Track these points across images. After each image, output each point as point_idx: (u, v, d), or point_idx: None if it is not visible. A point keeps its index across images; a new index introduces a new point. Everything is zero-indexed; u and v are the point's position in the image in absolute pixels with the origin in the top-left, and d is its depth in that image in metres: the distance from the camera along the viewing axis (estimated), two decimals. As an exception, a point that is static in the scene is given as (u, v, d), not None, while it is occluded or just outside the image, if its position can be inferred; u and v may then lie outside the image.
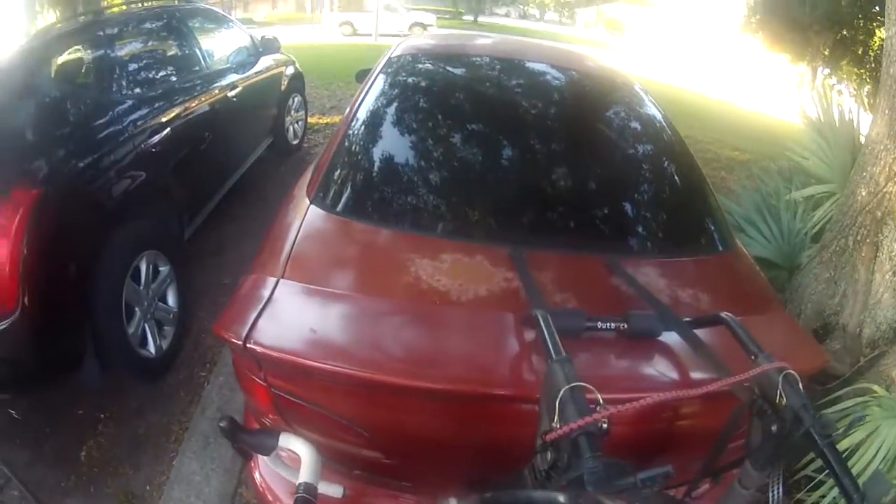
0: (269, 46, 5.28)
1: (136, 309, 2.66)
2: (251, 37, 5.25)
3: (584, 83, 2.61)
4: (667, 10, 34.71)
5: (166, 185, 3.12)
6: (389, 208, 1.79)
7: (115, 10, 4.34)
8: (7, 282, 2.01)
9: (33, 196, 2.08)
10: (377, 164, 1.98)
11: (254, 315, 1.30)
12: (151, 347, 2.79)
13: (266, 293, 1.38)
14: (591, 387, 0.95)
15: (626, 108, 2.43)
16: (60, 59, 2.99)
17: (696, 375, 1.28)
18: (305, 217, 1.69)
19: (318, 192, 1.79)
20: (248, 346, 1.23)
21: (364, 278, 1.54)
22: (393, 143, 2.07)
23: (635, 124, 2.36)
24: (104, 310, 2.45)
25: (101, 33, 3.29)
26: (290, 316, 1.36)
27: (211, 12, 5.05)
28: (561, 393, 0.93)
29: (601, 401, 0.90)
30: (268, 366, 1.28)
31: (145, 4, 4.49)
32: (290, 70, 5.81)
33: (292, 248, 1.56)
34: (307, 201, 1.76)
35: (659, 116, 2.37)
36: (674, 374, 1.30)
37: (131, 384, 2.81)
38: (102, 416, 2.68)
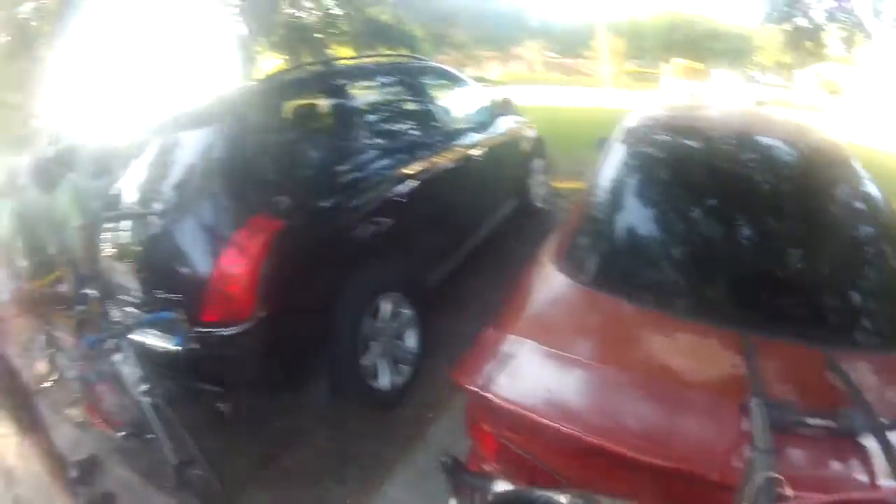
0: (506, 108, 5.48)
1: (373, 344, 3.01)
2: (488, 96, 5.44)
3: (821, 161, 2.47)
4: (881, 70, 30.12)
5: (411, 235, 3.41)
6: (629, 281, 1.85)
7: (350, 61, 4.80)
8: (244, 294, 2.49)
9: (276, 226, 2.57)
10: (618, 237, 2.09)
11: (492, 367, 1.46)
12: (384, 381, 3.09)
13: (505, 348, 1.52)
14: (784, 480, 1.03)
15: (862, 189, 2.30)
16: (306, 104, 3.40)
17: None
18: (548, 282, 1.85)
19: (563, 260, 1.92)
20: (484, 394, 1.36)
21: (597, 347, 1.62)
22: (632, 218, 2.17)
23: (871, 207, 2.22)
24: (340, 339, 2.83)
25: (340, 82, 3.67)
26: (526, 373, 1.48)
27: (446, 71, 5.28)
28: (756, 482, 1.02)
29: (791, 496, 1.00)
30: (499, 415, 1.39)
31: (379, 58, 4.92)
32: (530, 133, 5.96)
33: (533, 309, 1.74)
34: (551, 267, 1.90)
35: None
36: (870, 478, 1.25)
37: (360, 411, 3.12)
38: (319, 431, 3.02)
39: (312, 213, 2.84)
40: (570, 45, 35.42)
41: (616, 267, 1.92)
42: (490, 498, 1.24)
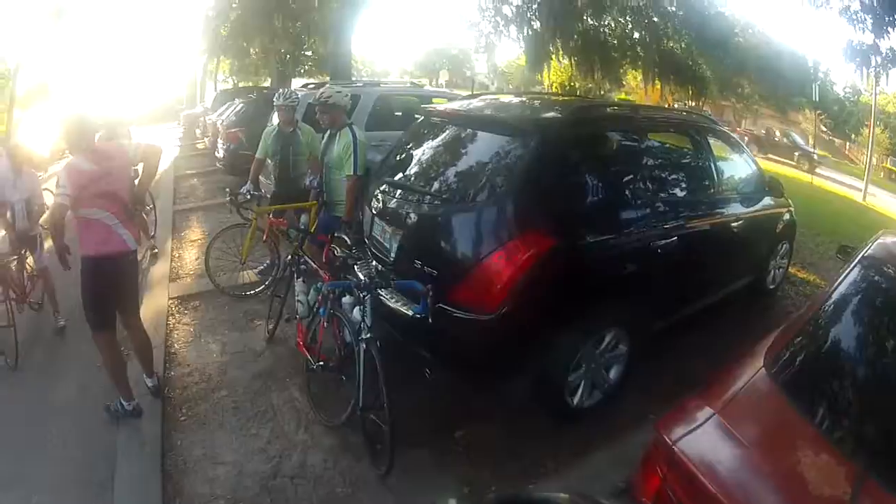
0: (774, 188, 5.54)
1: (583, 366, 3.54)
2: (761, 171, 5.57)
3: None
4: None
5: (655, 282, 3.83)
6: (823, 410, 1.99)
7: (652, 110, 5.22)
8: (499, 293, 3.07)
9: (547, 244, 3.11)
10: (830, 362, 2.18)
11: (685, 427, 1.87)
12: (576, 399, 3.62)
13: (701, 417, 1.92)
14: None
15: None
16: (608, 139, 3.93)
17: None
18: (753, 374, 2.13)
19: (773, 360, 2.17)
20: (672, 445, 1.78)
21: (777, 452, 1.87)
22: (849, 351, 2.21)
23: None
24: (561, 353, 3.38)
25: (641, 126, 4.22)
26: (713, 447, 1.84)
27: (730, 136, 5.53)
28: None
29: None
30: (673, 467, 1.78)
31: (674, 111, 5.22)
32: (786, 216, 6.01)
33: (734, 395, 2.05)
34: (760, 362, 2.17)
35: None
36: None
37: (541, 415, 3.67)
38: (504, 416, 3.63)
39: (580, 242, 3.37)
40: (843, 125, 33.58)
41: (817, 390, 2.07)
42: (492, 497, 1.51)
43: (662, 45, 17.42)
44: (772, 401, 2.02)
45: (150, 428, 3.84)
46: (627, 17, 17.72)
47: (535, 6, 17.81)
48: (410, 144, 4.33)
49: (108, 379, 3.94)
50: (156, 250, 7.41)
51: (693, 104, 22.54)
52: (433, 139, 4.18)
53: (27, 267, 5.56)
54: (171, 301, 5.83)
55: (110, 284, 3.84)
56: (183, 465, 3.47)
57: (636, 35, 17.95)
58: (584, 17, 17.67)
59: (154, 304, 5.68)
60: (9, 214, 5.39)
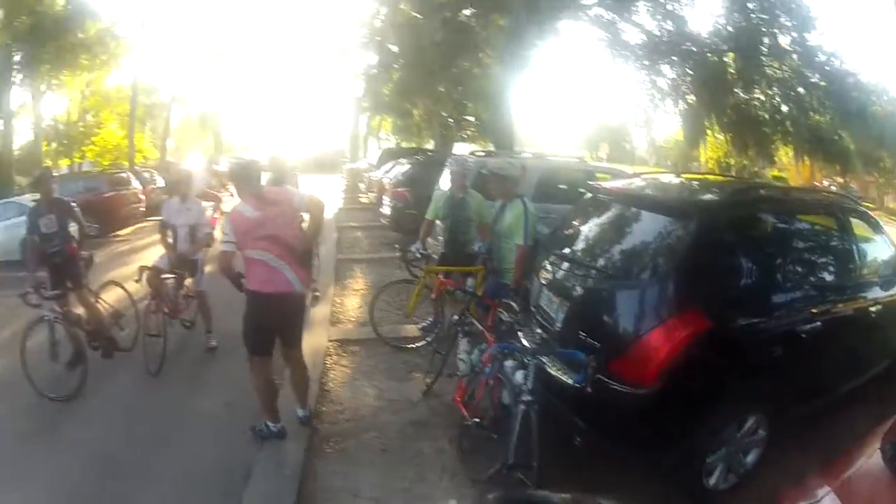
0: None
1: (723, 448, 3.77)
2: None
3: None
4: None
5: (800, 369, 3.98)
6: None
7: (802, 192, 5.46)
8: (655, 369, 3.39)
9: (703, 326, 3.43)
10: None
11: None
12: (710, 480, 3.80)
13: (822, 494, 2.25)
14: None
15: None
16: (765, 221, 4.21)
17: None
18: (870, 457, 2.41)
19: (889, 444, 2.40)
20: None
21: None
22: None
23: None
24: (703, 433, 3.63)
25: (792, 207, 4.48)
26: None
27: (870, 216, 5.47)
28: None
29: None
30: None
31: (820, 191, 5.40)
32: None
33: (850, 475, 2.38)
34: (877, 445, 2.42)
35: None
36: None
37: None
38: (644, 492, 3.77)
39: (732, 324, 3.67)
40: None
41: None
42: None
43: (809, 118, 17.48)
44: (884, 483, 2.25)
45: (294, 452, 4.37)
46: (775, 90, 17.98)
47: (687, 79, 18.54)
48: (578, 219, 4.84)
49: (256, 401, 4.53)
50: (318, 294, 8.31)
51: (840, 180, 21.96)
52: (600, 216, 4.63)
53: (184, 287, 6.56)
54: (330, 343, 6.59)
55: (272, 318, 4.37)
56: (321, 492, 3.94)
57: (784, 108, 18.08)
58: (735, 90, 18.21)
59: (313, 343, 6.36)
60: (170, 236, 6.48)
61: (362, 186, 22.80)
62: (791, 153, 20.65)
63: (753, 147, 18.97)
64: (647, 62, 18.95)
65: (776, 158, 20.99)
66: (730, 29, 17.22)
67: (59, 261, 6.17)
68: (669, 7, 18.05)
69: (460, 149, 33.29)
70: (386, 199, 13.41)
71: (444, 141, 27.49)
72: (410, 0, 20.85)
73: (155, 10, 32.35)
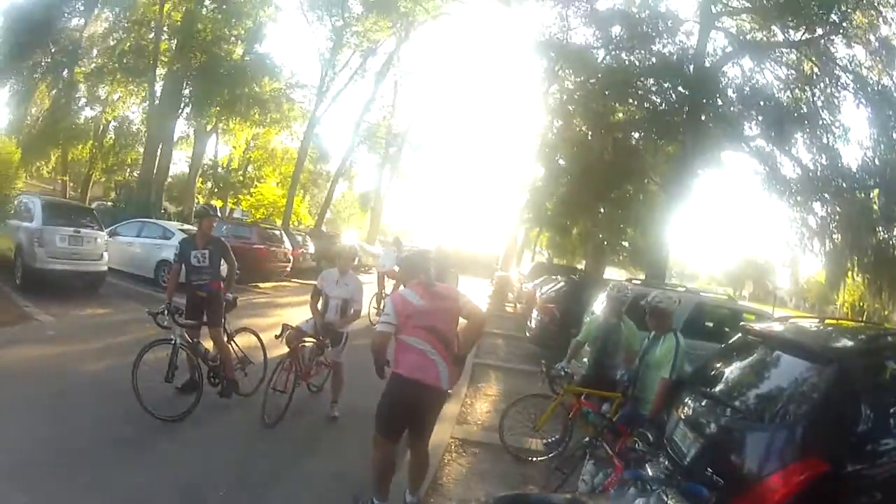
0: None
1: None
2: None
3: None
4: None
5: None
6: None
7: None
8: None
9: (821, 470, 3.71)
10: None
11: None
12: None
13: None
14: None
15: None
16: (880, 369, 4.38)
17: None
18: None
19: None
20: None
21: None
22: None
23: None
24: None
25: None
26: None
27: None
28: None
29: None
30: None
31: None
32: None
33: None
34: None
35: None
36: None
37: None
38: None
39: (851, 468, 3.86)
40: None
41: None
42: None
43: None
44: None
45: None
46: None
47: (836, 218, 19.02)
48: (724, 358, 5.30)
49: (367, 476, 4.98)
50: (450, 391, 8.86)
51: None
52: (745, 356, 5.08)
53: (322, 354, 7.25)
54: (452, 440, 7.11)
55: (411, 406, 4.69)
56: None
57: None
58: (878, 229, 18.59)
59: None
60: (320, 305, 7.26)
61: (510, 295, 23.78)
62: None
63: (887, 289, 19.24)
64: (800, 198, 19.66)
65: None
66: (877, 162, 18.00)
67: (203, 294, 7.06)
68: (825, 140, 18.92)
69: (611, 272, 33.68)
70: (535, 313, 13.96)
71: (596, 263, 27.98)
72: (584, 117, 22.09)
73: (339, 84, 35.34)
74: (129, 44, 29.71)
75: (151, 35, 28.99)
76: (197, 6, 28.43)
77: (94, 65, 30.47)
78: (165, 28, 29.23)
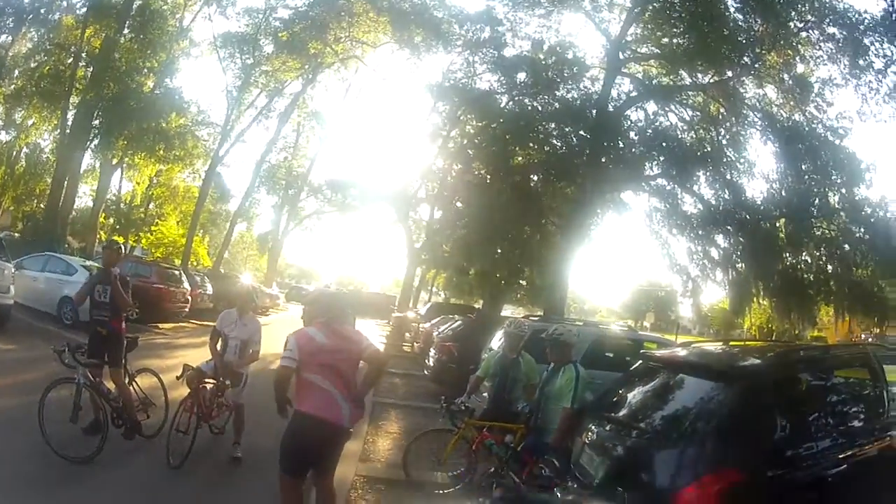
0: None
1: None
2: None
3: None
4: None
5: None
6: None
7: (842, 350, 6.18)
8: None
9: (735, 479, 3.86)
10: None
11: None
12: None
13: None
14: None
15: None
16: (798, 380, 4.84)
17: None
18: None
19: None
20: None
21: None
22: None
23: None
24: None
25: (827, 366, 5.17)
26: None
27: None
28: None
29: None
30: None
31: (857, 345, 5.98)
32: None
33: None
34: None
35: None
36: None
37: None
38: None
39: (765, 476, 4.04)
40: None
41: None
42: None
43: (852, 273, 18.76)
44: None
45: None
46: (823, 250, 19.37)
47: (739, 248, 20.08)
48: (626, 384, 5.55)
49: None
50: (350, 430, 8.83)
51: (878, 331, 22.80)
52: (647, 382, 5.33)
53: (223, 395, 7.10)
54: (357, 477, 7.05)
55: (315, 444, 4.67)
56: None
57: (829, 268, 19.44)
58: (784, 255, 19.69)
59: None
60: (220, 346, 7.21)
61: (407, 335, 23.81)
62: (831, 312, 21.84)
63: (796, 310, 20.11)
64: (701, 232, 20.75)
65: (817, 319, 22.08)
66: (783, 193, 19.03)
67: (104, 332, 6.86)
68: (728, 176, 20.09)
69: (509, 310, 34.24)
70: (433, 351, 14.13)
71: (494, 301, 28.42)
72: (484, 161, 22.84)
73: (243, 124, 35.18)
74: (48, 67, 28.87)
75: (70, 60, 28.40)
76: (116, 34, 27.99)
77: (13, 86, 29.49)
78: (84, 54, 28.72)
